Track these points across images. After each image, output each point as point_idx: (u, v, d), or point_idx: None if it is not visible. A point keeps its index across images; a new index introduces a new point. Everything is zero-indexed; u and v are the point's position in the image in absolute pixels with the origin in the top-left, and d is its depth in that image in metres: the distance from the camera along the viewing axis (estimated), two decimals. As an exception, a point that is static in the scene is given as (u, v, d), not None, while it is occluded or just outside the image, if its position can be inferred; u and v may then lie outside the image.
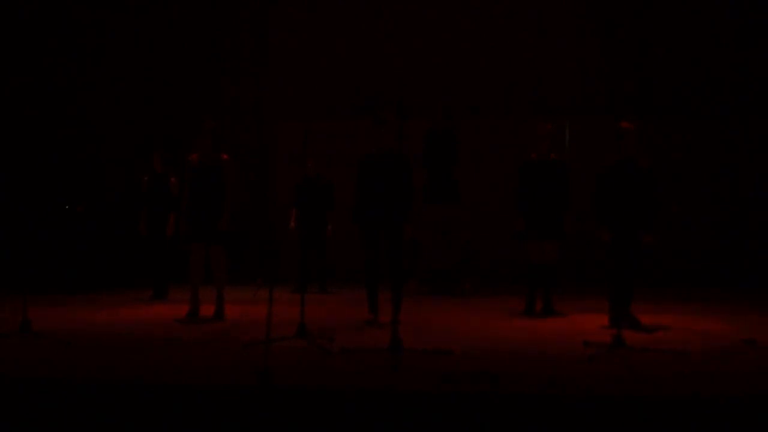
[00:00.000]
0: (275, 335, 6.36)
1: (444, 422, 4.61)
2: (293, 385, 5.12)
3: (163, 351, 6.48)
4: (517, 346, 6.68)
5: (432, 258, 10.40)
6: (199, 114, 11.98)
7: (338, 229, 10.51)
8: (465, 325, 7.89)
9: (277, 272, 11.17)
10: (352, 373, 5.51)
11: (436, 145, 10.32)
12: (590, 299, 9.01)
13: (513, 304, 8.99)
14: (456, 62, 12.26)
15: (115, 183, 11.94)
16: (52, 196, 10.94)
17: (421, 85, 12.23)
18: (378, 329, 7.29)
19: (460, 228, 10.45)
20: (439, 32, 12.30)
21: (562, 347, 6.58)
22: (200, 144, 8.23)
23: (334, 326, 7.44)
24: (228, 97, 12.58)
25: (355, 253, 8.40)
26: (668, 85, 11.95)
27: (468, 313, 8.74)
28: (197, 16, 12.49)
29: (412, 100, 12.06)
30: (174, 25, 12.40)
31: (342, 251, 11.16)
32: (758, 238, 11.71)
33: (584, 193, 8.02)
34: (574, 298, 9.49)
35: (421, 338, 6.79)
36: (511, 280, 10.90)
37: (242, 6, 12.73)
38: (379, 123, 7.78)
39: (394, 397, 4.91)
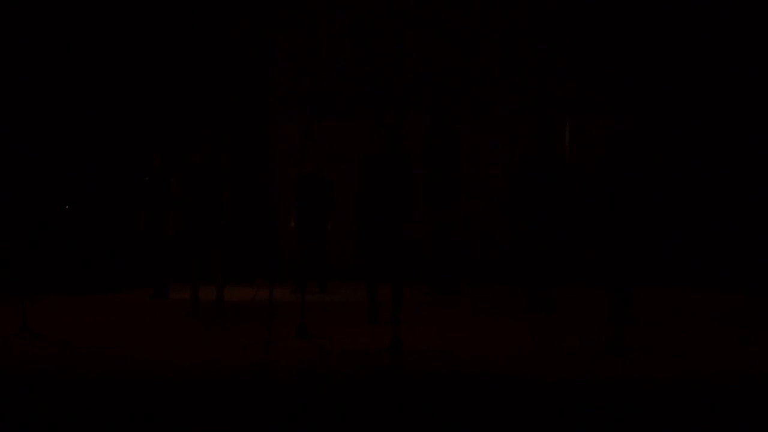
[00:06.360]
0: (275, 335, 6.37)
1: (444, 422, 4.62)
2: (293, 384, 5.13)
3: (163, 351, 6.48)
4: (517, 345, 6.69)
5: (431, 258, 10.39)
6: (200, 114, 12.02)
7: (338, 229, 10.51)
8: (465, 325, 7.90)
9: (277, 272, 11.16)
10: (352, 373, 5.51)
11: (436, 145, 10.32)
12: (590, 298, 9.01)
13: (513, 302, 8.99)
14: (456, 62, 12.26)
15: (115, 183, 11.92)
16: (52, 196, 10.91)
17: (421, 85, 12.23)
18: (377, 329, 7.29)
19: (460, 228, 10.44)
20: (440, 32, 12.30)
21: (562, 346, 6.59)
22: (200, 144, 8.28)
23: (334, 326, 7.45)
24: (228, 97, 12.57)
25: (355, 253, 8.40)
26: (668, 85, 11.94)
27: (468, 313, 8.74)
28: (197, 16, 12.48)
29: (412, 100, 12.05)
30: (174, 24, 12.39)
31: (342, 251, 11.13)
32: (758, 238, 11.70)
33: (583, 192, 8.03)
34: (575, 297, 9.48)
35: (420, 338, 6.80)
36: (510, 278, 10.89)
37: (242, 6, 12.72)
38: (379, 123, 7.81)
39: (394, 397, 4.92)
